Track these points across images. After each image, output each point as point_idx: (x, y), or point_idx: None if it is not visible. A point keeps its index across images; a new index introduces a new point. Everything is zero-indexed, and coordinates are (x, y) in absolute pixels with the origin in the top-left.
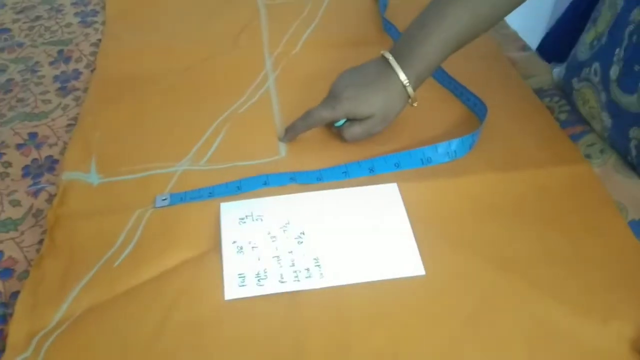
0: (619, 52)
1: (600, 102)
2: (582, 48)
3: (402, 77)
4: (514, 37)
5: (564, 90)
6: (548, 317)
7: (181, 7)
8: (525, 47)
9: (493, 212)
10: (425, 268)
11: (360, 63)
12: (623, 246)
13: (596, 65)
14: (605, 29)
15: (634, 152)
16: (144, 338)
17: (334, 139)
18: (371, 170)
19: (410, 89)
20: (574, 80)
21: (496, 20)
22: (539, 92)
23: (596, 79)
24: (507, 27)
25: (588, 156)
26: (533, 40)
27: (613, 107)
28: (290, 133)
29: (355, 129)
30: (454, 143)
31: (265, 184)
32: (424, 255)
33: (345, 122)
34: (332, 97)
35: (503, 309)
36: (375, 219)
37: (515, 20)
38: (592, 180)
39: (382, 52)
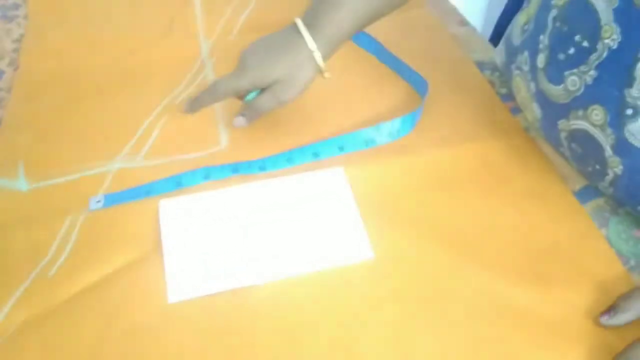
0: (543, 39)
1: (531, 92)
2: (515, 31)
3: (310, 43)
4: (453, 12)
5: (505, 75)
6: (495, 288)
7: None
8: (464, 22)
9: (439, 189)
10: (374, 251)
11: None
12: (567, 211)
13: (526, 53)
14: (534, 12)
15: (564, 143)
16: (85, 350)
17: (276, 126)
18: (315, 155)
19: (318, 56)
20: (512, 67)
21: None
22: (480, 65)
23: (526, 68)
24: (446, 1)
25: (527, 129)
26: (472, 15)
27: (542, 98)
28: (195, 104)
29: (262, 97)
30: (397, 122)
31: (206, 177)
32: (372, 238)
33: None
34: (238, 66)
35: (451, 285)
36: (322, 206)
37: None
38: (533, 151)
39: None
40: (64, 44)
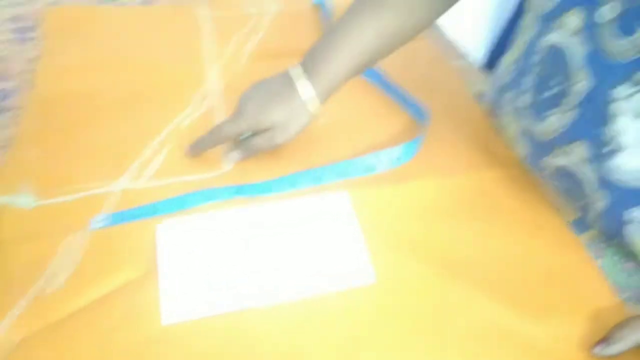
0: (527, 80)
1: (518, 129)
2: (502, 70)
3: (304, 94)
4: (452, 45)
5: (495, 111)
6: (493, 317)
7: (120, 22)
8: (462, 56)
9: (439, 216)
10: (376, 275)
11: None
12: (562, 242)
13: (513, 92)
14: (518, 55)
15: (551, 179)
16: None
17: (279, 151)
18: (318, 179)
19: (312, 105)
20: (501, 103)
21: (405, 39)
22: (479, 97)
23: (513, 106)
24: (444, 35)
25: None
26: (472, 49)
27: (528, 135)
28: (197, 148)
29: (257, 139)
30: (397, 150)
31: (210, 198)
32: (374, 262)
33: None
34: (236, 111)
35: (450, 311)
36: (326, 229)
37: (454, 29)
38: (528, 182)
39: (289, 66)
40: (76, 65)
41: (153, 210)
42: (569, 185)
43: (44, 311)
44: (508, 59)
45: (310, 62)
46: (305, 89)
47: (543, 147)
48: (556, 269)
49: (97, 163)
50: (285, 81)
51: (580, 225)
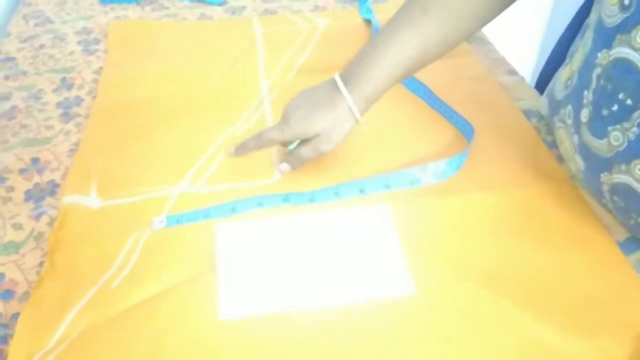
0: (587, 95)
1: (574, 145)
2: (559, 86)
3: (348, 100)
4: (502, 61)
5: (549, 126)
6: (534, 334)
7: (180, 35)
8: (512, 72)
9: (481, 231)
10: (416, 287)
11: None
12: (609, 263)
13: (569, 107)
14: (577, 68)
15: (607, 196)
16: (140, 359)
17: (325, 162)
18: (362, 190)
19: (356, 111)
20: (555, 119)
21: (447, 48)
22: (527, 113)
23: (569, 121)
24: (495, 51)
25: (572, 177)
26: (522, 65)
27: (585, 151)
28: (241, 150)
29: (304, 148)
30: (443, 163)
31: (259, 205)
32: (414, 274)
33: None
34: (283, 119)
35: (491, 327)
36: (367, 239)
37: (504, 45)
38: (577, 199)
39: (334, 75)
40: (138, 76)
41: (206, 214)
42: (627, 203)
43: (106, 304)
44: (564, 74)
45: (354, 69)
46: (348, 95)
47: (602, 163)
48: (602, 288)
49: (156, 168)
50: (329, 89)
51: (631, 245)
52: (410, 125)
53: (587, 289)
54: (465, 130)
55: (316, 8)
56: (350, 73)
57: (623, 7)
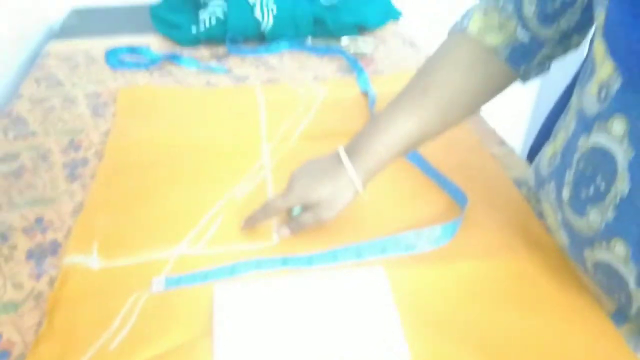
0: (569, 175)
1: (558, 220)
2: (544, 161)
3: (350, 171)
4: (492, 133)
5: (536, 199)
6: None
7: (185, 101)
8: (502, 142)
9: (476, 298)
10: (411, 354)
11: None
12: (601, 333)
13: (552, 184)
14: (560, 149)
15: (591, 271)
16: None
17: (323, 227)
18: (358, 254)
19: (357, 183)
20: (541, 192)
21: (446, 126)
22: (517, 182)
23: (552, 197)
24: (485, 123)
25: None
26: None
27: (568, 227)
28: (250, 222)
29: (305, 215)
30: (437, 229)
31: (257, 267)
32: (409, 340)
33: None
34: (287, 187)
35: None
36: (362, 303)
37: (494, 117)
38: (568, 269)
39: (337, 147)
40: (142, 140)
41: (205, 276)
42: (609, 280)
43: None
44: (549, 151)
45: (357, 144)
46: (350, 167)
47: (583, 240)
48: (593, 358)
49: (157, 230)
50: (333, 161)
51: (621, 317)
52: (405, 192)
53: (578, 356)
54: (458, 198)
55: (316, 78)
56: (353, 146)
57: (600, 99)
